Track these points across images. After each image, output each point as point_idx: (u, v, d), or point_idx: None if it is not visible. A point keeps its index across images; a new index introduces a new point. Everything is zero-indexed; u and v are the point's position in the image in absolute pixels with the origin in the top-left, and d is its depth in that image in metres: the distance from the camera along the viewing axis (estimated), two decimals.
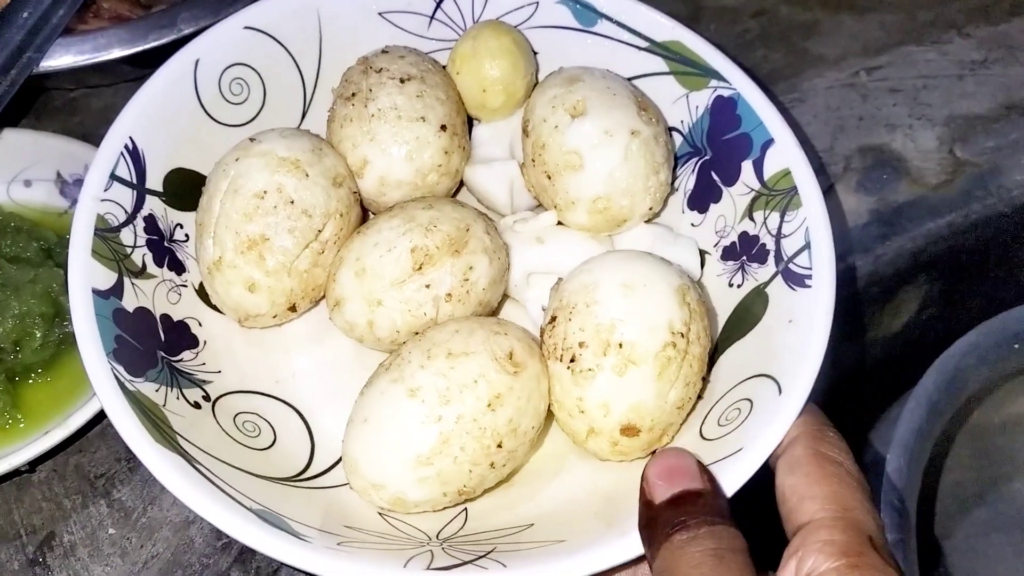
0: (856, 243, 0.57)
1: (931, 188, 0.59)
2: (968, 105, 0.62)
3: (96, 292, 0.42)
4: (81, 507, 0.47)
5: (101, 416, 0.46)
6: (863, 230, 0.57)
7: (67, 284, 0.42)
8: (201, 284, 0.46)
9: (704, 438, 0.41)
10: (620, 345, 0.40)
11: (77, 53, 0.54)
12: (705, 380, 0.43)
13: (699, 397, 0.43)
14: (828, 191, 0.57)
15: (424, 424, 0.39)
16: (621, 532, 0.37)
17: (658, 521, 0.35)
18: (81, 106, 0.60)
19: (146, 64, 0.55)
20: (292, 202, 0.44)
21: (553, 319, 0.42)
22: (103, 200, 0.44)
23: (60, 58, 0.54)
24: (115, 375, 0.40)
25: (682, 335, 0.41)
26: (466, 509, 0.43)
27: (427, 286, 0.43)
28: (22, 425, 0.47)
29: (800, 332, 0.41)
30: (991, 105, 0.62)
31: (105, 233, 0.43)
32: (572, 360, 0.41)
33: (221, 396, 0.44)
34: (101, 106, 0.60)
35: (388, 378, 0.41)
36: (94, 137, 0.55)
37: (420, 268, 0.43)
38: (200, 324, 0.46)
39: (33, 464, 0.46)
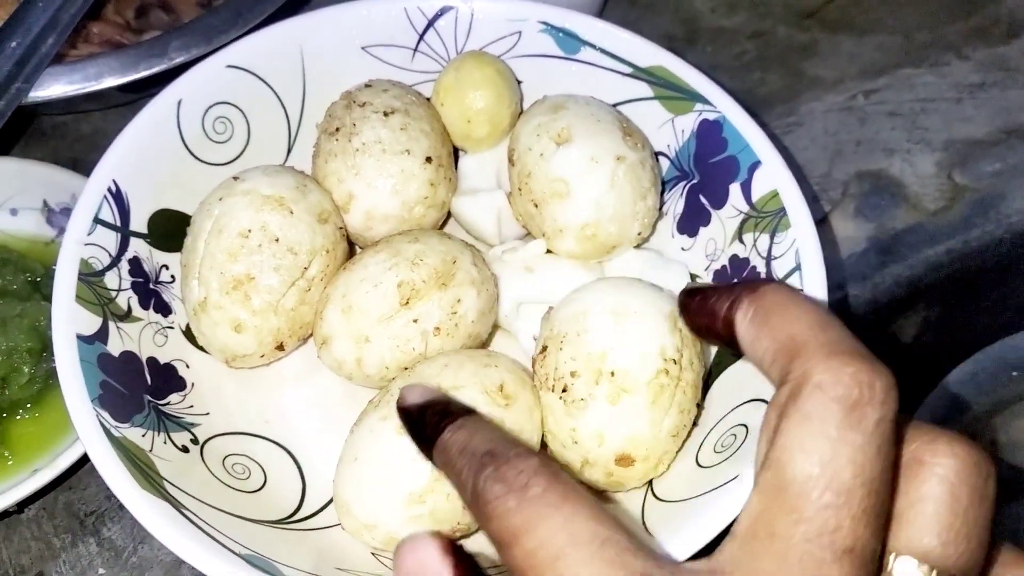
0: (854, 270, 0.57)
1: (930, 214, 0.58)
2: (967, 129, 0.61)
3: (80, 338, 0.41)
4: (71, 546, 0.46)
5: None
6: (861, 257, 0.57)
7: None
8: (188, 326, 0.46)
9: (700, 466, 0.41)
10: (612, 373, 0.39)
11: (67, 83, 0.54)
12: (700, 406, 0.42)
13: (694, 424, 0.42)
14: (824, 219, 0.57)
15: (416, 461, 0.38)
16: None
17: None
18: (70, 131, 0.60)
19: (137, 90, 0.55)
20: (277, 240, 0.44)
21: (544, 349, 0.42)
22: (87, 244, 0.44)
23: (50, 88, 0.54)
24: (100, 422, 0.39)
25: (675, 361, 0.40)
26: None
27: (415, 321, 0.42)
28: (10, 463, 0.46)
29: None
30: (990, 129, 0.61)
31: (89, 277, 0.43)
32: (564, 390, 0.40)
33: (210, 439, 0.43)
34: (90, 131, 0.60)
35: (377, 415, 0.40)
36: (83, 163, 0.55)
37: (407, 303, 0.42)
38: (187, 366, 0.46)
39: (22, 504, 0.46)
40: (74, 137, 0.60)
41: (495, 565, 0.39)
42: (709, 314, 0.32)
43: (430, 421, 0.32)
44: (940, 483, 0.27)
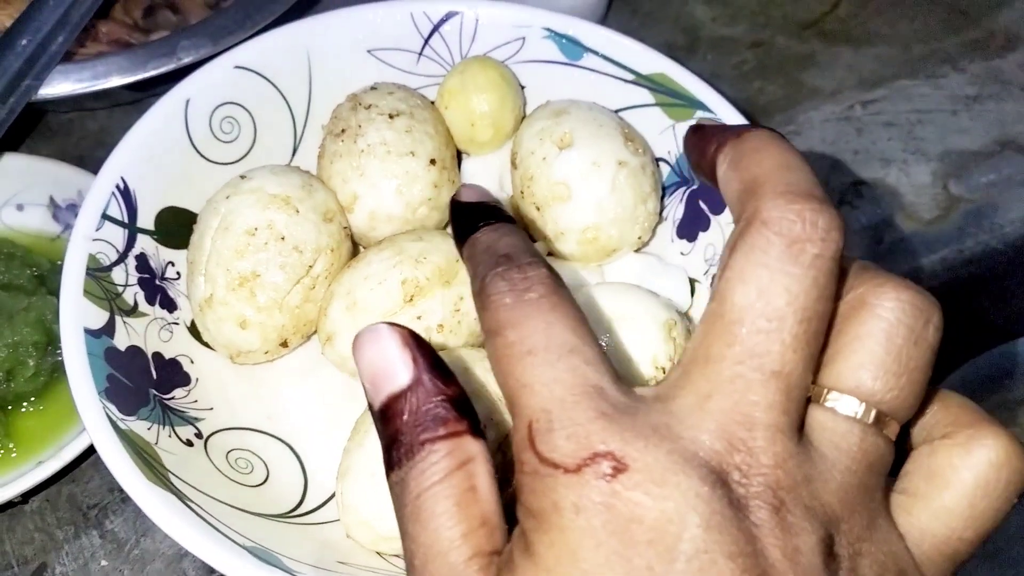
0: None
1: (925, 223, 0.59)
2: (962, 140, 0.62)
3: (88, 331, 0.42)
4: (73, 538, 0.47)
5: (94, 447, 0.46)
6: None
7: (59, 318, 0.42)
8: (193, 322, 0.47)
9: None
10: None
11: (76, 81, 0.55)
12: None
13: None
14: None
15: None
16: None
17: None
18: (77, 128, 0.61)
19: (144, 89, 0.56)
20: (283, 238, 0.44)
21: None
22: (95, 240, 0.44)
23: (59, 85, 0.54)
24: (107, 414, 0.40)
25: (664, 370, 0.40)
26: None
27: (418, 317, 0.43)
28: (14, 455, 0.47)
29: None
30: (985, 140, 0.62)
31: (97, 272, 0.44)
32: None
33: (213, 433, 0.44)
34: (97, 128, 0.61)
35: None
36: (89, 160, 0.55)
37: (411, 300, 0.43)
38: (192, 361, 0.46)
39: (26, 495, 0.46)
40: (81, 135, 0.61)
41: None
42: (700, 152, 0.33)
43: (473, 219, 0.33)
44: (878, 322, 0.28)
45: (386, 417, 0.28)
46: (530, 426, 0.26)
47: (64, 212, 0.54)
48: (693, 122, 0.48)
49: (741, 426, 0.26)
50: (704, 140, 0.32)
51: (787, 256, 0.27)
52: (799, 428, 0.27)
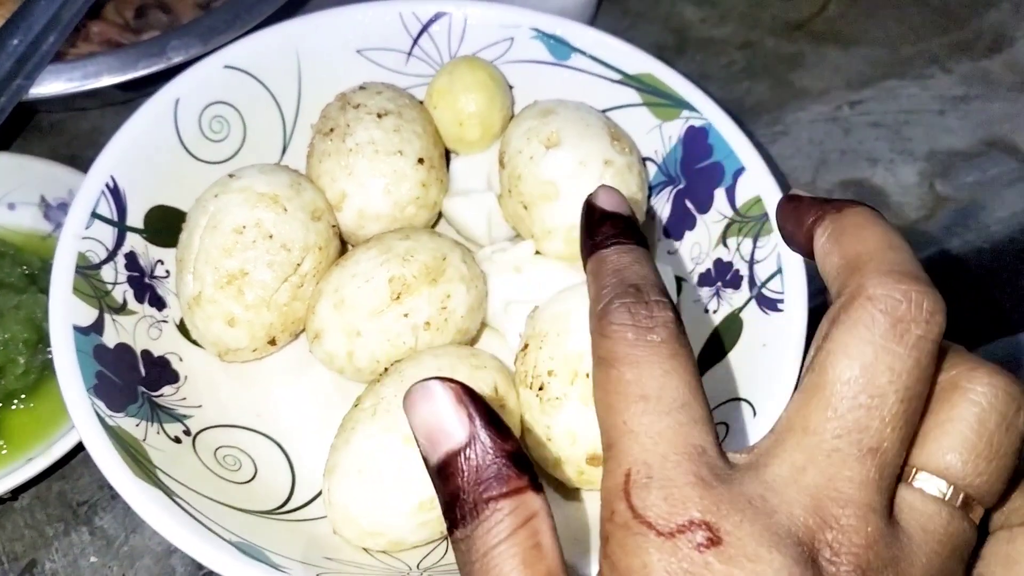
0: None
1: (911, 223, 0.60)
2: (949, 140, 0.63)
3: (77, 328, 0.42)
4: (63, 534, 0.47)
5: (83, 444, 0.46)
6: None
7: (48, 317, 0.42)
8: (181, 320, 0.47)
9: None
10: (587, 375, 0.40)
11: (67, 80, 0.55)
12: None
13: None
14: None
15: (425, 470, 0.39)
16: (597, 559, 0.37)
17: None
18: (68, 127, 0.61)
19: (135, 88, 0.56)
20: (271, 236, 0.45)
21: (525, 347, 0.43)
22: (84, 238, 0.44)
23: (50, 85, 0.55)
24: (96, 411, 0.40)
25: None
26: (447, 538, 0.43)
27: (406, 315, 0.43)
28: (4, 452, 0.47)
29: (773, 355, 0.42)
30: (971, 141, 0.63)
31: (86, 270, 0.44)
32: (541, 388, 0.41)
33: (202, 431, 0.44)
34: (88, 128, 0.61)
35: (379, 426, 0.40)
36: (80, 159, 0.55)
37: (398, 298, 0.43)
38: (180, 359, 0.46)
39: (16, 491, 0.46)
40: (72, 134, 0.61)
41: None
42: (796, 222, 0.33)
43: (607, 231, 0.33)
44: (970, 406, 0.28)
45: (445, 475, 0.27)
46: (628, 475, 0.27)
47: (55, 211, 0.54)
48: (681, 122, 0.49)
49: (835, 502, 0.26)
50: (801, 211, 0.33)
51: (892, 334, 0.27)
52: (890, 507, 0.27)
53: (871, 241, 0.30)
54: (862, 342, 0.27)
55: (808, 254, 0.33)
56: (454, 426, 0.27)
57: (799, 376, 0.29)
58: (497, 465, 0.27)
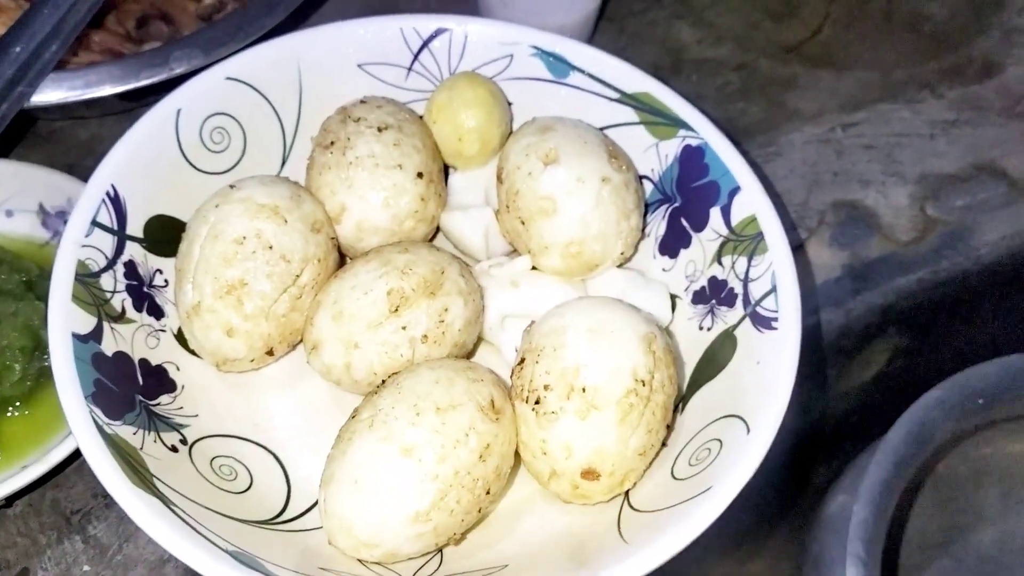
0: (828, 296, 0.58)
1: (902, 244, 0.60)
2: (939, 164, 0.63)
3: (76, 336, 0.42)
4: (56, 543, 0.47)
5: (79, 452, 0.45)
6: (835, 284, 0.59)
7: (47, 322, 0.42)
8: (179, 329, 0.47)
9: (675, 478, 0.42)
10: (583, 389, 0.41)
11: (68, 89, 0.55)
12: (669, 428, 0.43)
13: (663, 444, 0.43)
14: (800, 246, 0.59)
15: (422, 482, 0.39)
16: (592, 572, 0.38)
17: None
18: (67, 136, 0.61)
19: (135, 99, 0.56)
20: (271, 247, 0.45)
21: (522, 361, 0.43)
22: (84, 246, 0.45)
23: (51, 93, 0.55)
24: (93, 418, 0.40)
25: (644, 383, 0.41)
26: (441, 551, 0.43)
27: (403, 328, 0.44)
28: None
29: (767, 372, 0.42)
30: (961, 164, 0.64)
31: (85, 278, 0.44)
32: (537, 402, 0.41)
33: (198, 440, 0.44)
34: (87, 136, 0.61)
35: (375, 436, 0.40)
36: (79, 168, 0.56)
37: (396, 310, 0.44)
38: (178, 368, 0.46)
39: (10, 499, 0.46)
40: (71, 143, 0.61)
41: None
42: None
43: None
44: None
45: None
46: None
47: (53, 219, 0.54)
48: (678, 141, 0.50)
49: None
50: None
51: None
52: None
53: None
54: None
55: None
56: None
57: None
58: None
